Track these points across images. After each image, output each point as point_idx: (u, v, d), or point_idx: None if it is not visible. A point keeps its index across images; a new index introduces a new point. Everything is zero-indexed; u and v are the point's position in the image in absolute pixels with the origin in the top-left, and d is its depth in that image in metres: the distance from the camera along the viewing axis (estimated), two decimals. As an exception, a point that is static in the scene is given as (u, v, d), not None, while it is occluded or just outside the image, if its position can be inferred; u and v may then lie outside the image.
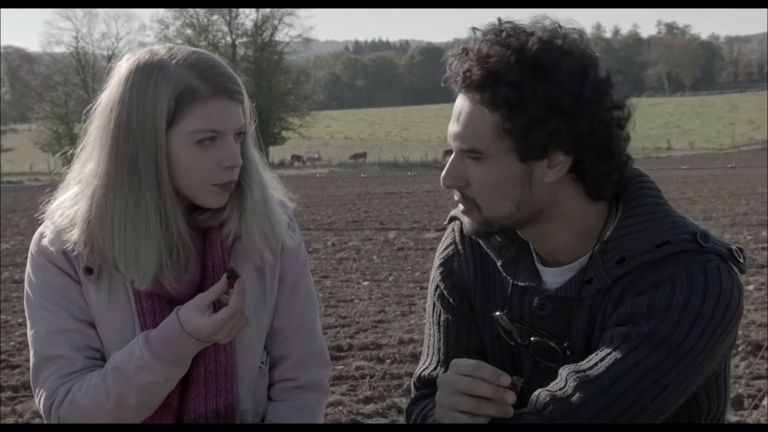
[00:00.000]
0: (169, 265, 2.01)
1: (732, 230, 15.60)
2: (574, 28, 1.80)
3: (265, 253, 2.11)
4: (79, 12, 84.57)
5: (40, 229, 2.10)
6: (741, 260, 1.82)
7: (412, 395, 2.08)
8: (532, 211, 1.83)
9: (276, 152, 65.41)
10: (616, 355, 1.75)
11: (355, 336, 8.29)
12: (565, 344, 1.83)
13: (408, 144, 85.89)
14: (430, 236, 15.73)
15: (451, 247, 2.06)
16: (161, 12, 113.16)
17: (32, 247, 2.09)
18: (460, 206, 1.90)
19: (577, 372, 1.76)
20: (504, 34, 1.79)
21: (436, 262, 2.08)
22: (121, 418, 2.01)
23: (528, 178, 1.80)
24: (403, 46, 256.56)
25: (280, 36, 73.02)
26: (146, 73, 1.97)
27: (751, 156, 50.87)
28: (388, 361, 7.40)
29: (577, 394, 1.74)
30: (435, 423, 1.87)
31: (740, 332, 7.81)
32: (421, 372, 2.07)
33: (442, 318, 2.05)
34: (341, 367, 7.12)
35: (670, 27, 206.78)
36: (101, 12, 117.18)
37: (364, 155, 68.59)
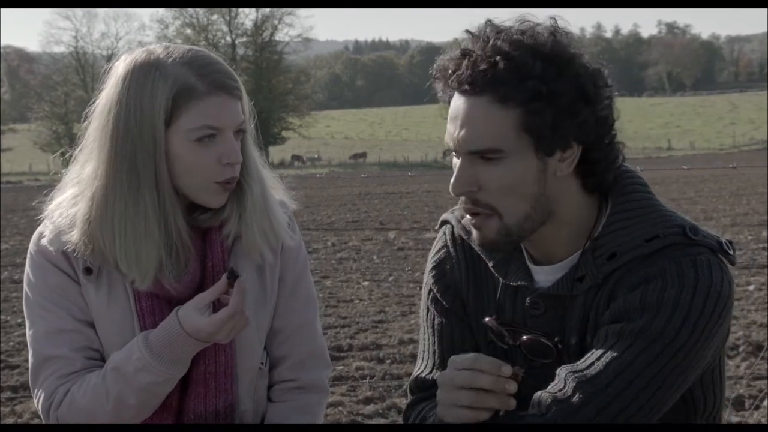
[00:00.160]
0: (168, 264, 2.01)
1: (733, 230, 15.59)
2: (552, 25, 1.82)
3: (265, 251, 2.10)
4: (79, 12, 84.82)
5: (39, 229, 2.09)
6: (730, 252, 1.83)
7: (409, 399, 2.08)
8: (545, 211, 1.83)
9: (276, 152, 65.42)
10: (612, 353, 1.74)
11: (355, 336, 8.28)
12: (556, 339, 1.82)
13: (408, 144, 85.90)
14: (431, 236, 15.71)
15: (443, 251, 2.05)
16: (161, 12, 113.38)
17: (31, 247, 2.09)
18: (468, 218, 1.87)
19: (575, 372, 1.75)
20: (513, 32, 1.78)
21: (428, 265, 2.08)
22: (121, 418, 2.01)
23: (543, 174, 1.80)
24: (403, 46, 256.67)
25: (280, 36, 73.07)
26: (143, 73, 1.97)
27: (751, 156, 50.88)
28: (388, 361, 7.40)
29: (577, 395, 1.73)
30: (434, 423, 1.87)
31: (741, 333, 7.81)
32: (417, 375, 2.06)
33: (436, 321, 2.05)
34: (341, 367, 7.11)
35: (671, 27, 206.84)
36: (101, 12, 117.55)
37: (364, 155, 68.60)
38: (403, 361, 7.32)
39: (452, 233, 2.04)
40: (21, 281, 9.64)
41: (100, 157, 2.00)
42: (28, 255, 2.10)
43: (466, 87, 1.78)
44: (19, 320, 9.11)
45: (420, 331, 2.12)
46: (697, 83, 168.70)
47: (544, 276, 1.90)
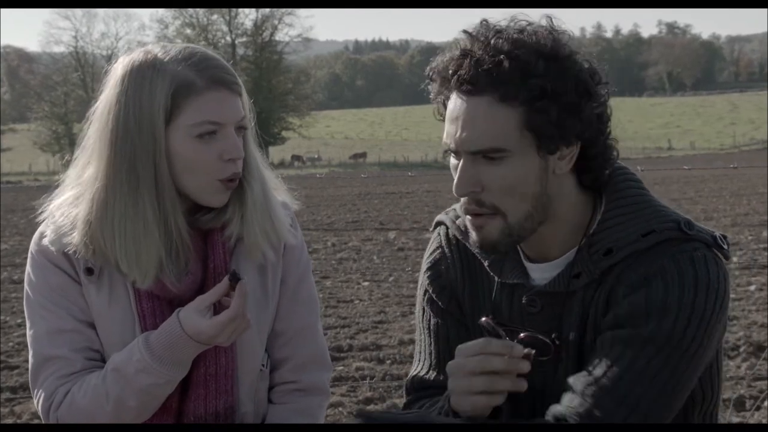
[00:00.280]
0: (169, 264, 2.00)
1: (733, 230, 15.56)
2: (549, 24, 1.84)
3: (267, 250, 2.10)
4: (79, 12, 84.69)
5: (40, 229, 2.09)
6: (725, 246, 1.84)
7: (405, 400, 2.08)
8: (545, 209, 1.83)
9: (276, 152, 65.42)
10: (625, 361, 1.76)
11: (355, 337, 8.26)
12: (553, 336, 1.82)
13: (408, 144, 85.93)
14: (431, 237, 15.67)
15: (438, 251, 2.06)
16: (161, 12, 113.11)
17: (32, 246, 2.09)
18: (468, 218, 1.86)
19: (591, 385, 1.77)
20: (512, 32, 1.79)
21: (424, 266, 2.08)
22: (121, 419, 2.00)
23: (545, 173, 1.81)
24: (403, 46, 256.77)
25: (280, 36, 73.02)
26: (141, 72, 1.98)
27: (752, 156, 50.87)
28: (389, 361, 7.38)
29: (598, 410, 1.75)
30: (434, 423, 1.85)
31: (741, 333, 7.79)
32: (414, 376, 2.07)
33: (432, 322, 2.05)
34: (341, 367, 7.09)
35: (671, 27, 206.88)
36: (100, 12, 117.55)
37: (364, 155, 68.58)
38: (403, 362, 7.30)
39: (447, 234, 2.05)
40: (21, 281, 9.63)
41: (101, 159, 1.99)
42: (29, 255, 2.10)
43: (468, 87, 1.78)
44: (19, 321, 9.09)
45: (416, 333, 2.12)
46: (697, 83, 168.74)
47: (540, 273, 1.91)
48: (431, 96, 1.88)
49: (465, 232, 1.98)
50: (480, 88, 1.76)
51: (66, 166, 2.11)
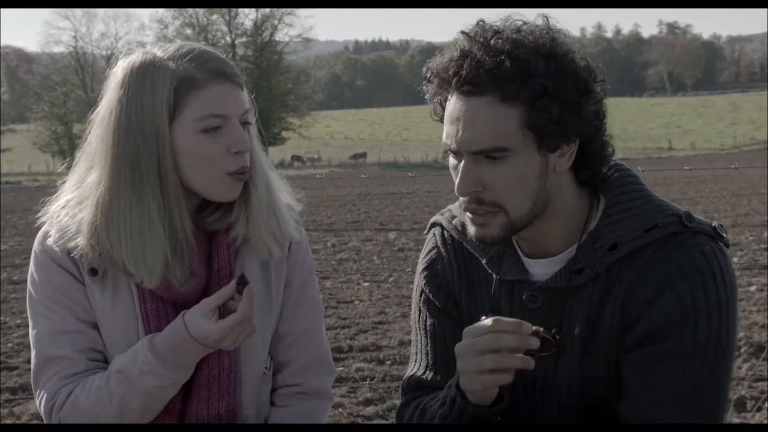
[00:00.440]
0: (174, 262, 2.00)
1: (734, 231, 15.54)
2: (546, 24, 1.85)
3: (272, 247, 2.09)
4: (78, 12, 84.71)
5: (44, 229, 2.09)
6: (724, 236, 1.89)
7: (402, 400, 2.09)
8: (544, 204, 1.85)
9: (276, 152, 65.38)
10: (674, 376, 1.81)
11: (355, 337, 8.25)
12: (554, 331, 1.83)
13: (408, 144, 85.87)
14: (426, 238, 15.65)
15: (434, 251, 2.07)
16: (160, 12, 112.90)
17: (36, 246, 2.08)
18: (467, 215, 1.87)
19: (648, 412, 1.82)
20: (511, 32, 1.80)
21: (420, 267, 2.09)
22: (123, 421, 2.00)
23: (545, 170, 1.83)
24: (403, 46, 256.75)
25: (280, 36, 72.86)
26: (141, 72, 1.98)
27: (752, 156, 50.83)
28: (389, 362, 7.36)
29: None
30: (435, 413, 1.90)
31: (742, 333, 7.77)
32: (410, 376, 2.08)
33: (428, 323, 2.06)
34: (341, 368, 7.07)
35: (672, 27, 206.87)
36: (100, 12, 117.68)
37: (364, 155, 68.54)
38: (403, 363, 7.28)
39: (442, 235, 2.06)
40: (20, 282, 9.62)
41: (104, 162, 1.99)
42: (33, 254, 2.09)
43: (469, 88, 1.78)
44: (18, 321, 9.07)
45: (411, 334, 2.13)
46: (698, 83, 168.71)
47: (541, 269, 1.92)
48: (428, 97, 1.88)
49: (463, 231, 1.99)
50: (481, 88, 1.77)
51: (67, 169, 2.11)
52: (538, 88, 1.76)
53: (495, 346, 1.75)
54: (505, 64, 1.76)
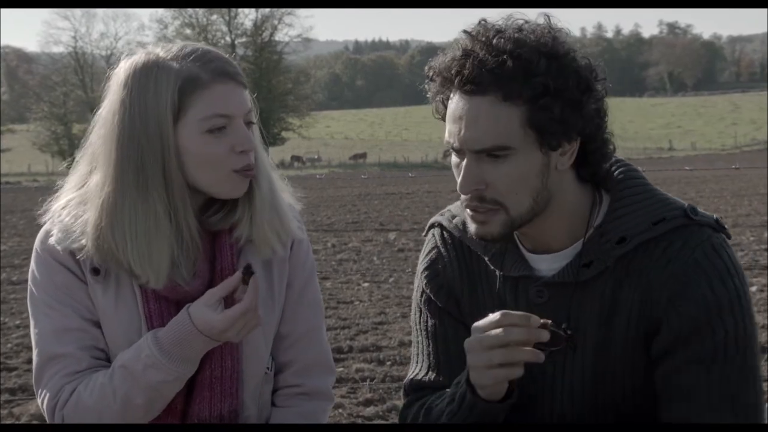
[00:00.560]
0: (180, 261, 2.00)
1: (734, 231, 15.52)
2: (548, 23, 1.87)
3: (276, 245, 2.10)
4: (78, 12, 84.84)
5: (45, 227, 2.08)
6: (725, 227, 1.93)
7: (404, 401, 2.08)
8: (545, 202, 1.86)
9: (276, 153, 65.40)
10: (715, 377, 1.83)
11: (355, 338, 8.23)
12: (564, 326, 1.84)
13: (408, 144, 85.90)
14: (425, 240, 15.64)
15: (434, 251, 2.08)
16: (160, 12, 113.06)
17: (38, 245, 2.08)
18: (468, 212, 1.88)
19: (692, 417, 1.83)
20: (512, 31, 1.81)
21: (420, 268, 2.10)
22: (127, 418, 1.99)
23: (546, 169, 1.84)
24: (403, 46, 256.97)
25: (280, 36, 72.86)
26: (145, 73, 1.97)
27: (753, 156, 50.84)
28: (389, 363, 7.35)
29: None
30: (443, 411, 1.90)
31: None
32: (412, 378, 2.08)
33: (429, 324, 2.07)
34: (341, 369, 7.06)
35: (672, 27, 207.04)
36: (100, 12, 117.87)
37: (364, 155, 68.55)
38: (403, 363, 7.27)
39: (442, 235, 2.08)
40: (20, 283, 9.60)
41: (108, 163, 1.99)
42: (34, 253, 2.09)
43: (471, 87, 1.79)
44: (18, 322, 9.06)
45: (412, 336, 2.13)
46: (698, 83, 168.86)
47: (547, 264, 1.93)
48: (430, 95, 1.90)
49: (464, 230, 2.00)
50: (483, 87, 1.79)
51: (69, 169, 2.10)
52: (540, 87, 1.77)
53: (504, 341, 1.75)
54: (507, 64, 1.77)
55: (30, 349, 7.35)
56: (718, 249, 1.86)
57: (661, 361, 1.87)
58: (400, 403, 6.14)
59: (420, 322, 2.09)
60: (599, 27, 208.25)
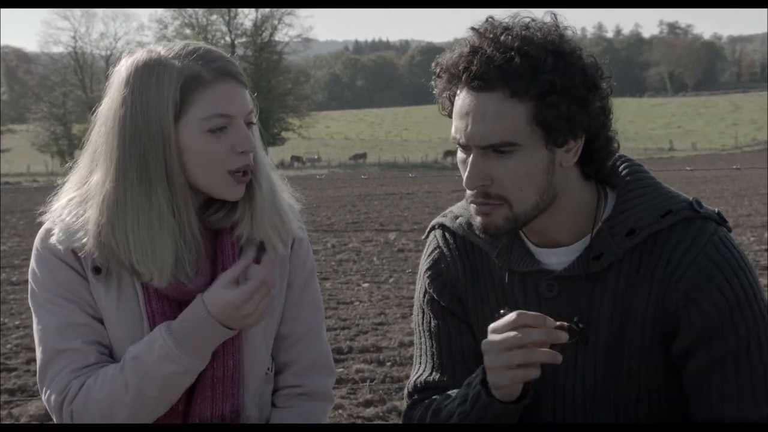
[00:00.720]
0: (184, 258, 1.99)
1: (735, 231, 15.40)
2: (554, 21, 1.88)
3: (277, 244, 2.09)
4: (77, 12, 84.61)
5: (46, 226, 2.07)
6: (727, 221, 1.96)
7: (408, 402, 2.08)
8: (550, 199, 1.87)
9: (275, 153, 65.40)
10: (742, 373, 1.84)
11: (355, 338, 8.23)
12: (575, 319, 1.85)
13: (408, 144, 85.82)
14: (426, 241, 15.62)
15: (436, 251, 2.09)
16: (160, 12, 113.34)
17: (38, 243, 2.07)
18: (473, 207, 1.89)
19: (725, 415, 1.84)
20: (520, 29, 1.83)
21: (423, 267, 2.11)
22: (138, 412, 1.98)
23: (552, 165, 1.85)
24: (403, 46, 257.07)
25: (280, 36, 72.91)
26: (146, 71, 1.97)
27: (754, 156, 50.84)
28: (389, 363, 7.34)
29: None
30: (453, 412, 1.91)
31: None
32: (416, 379, 2.07)
33: (432, 324, 2.07)
34: (341, 370, 7.05)
35: (672, 27, 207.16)
36: (99, 12, 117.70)
37: (364, 156, 68.55)
38: (403, 364, 7.26)
39: (443, 235, 2.09)
40: (19, 283, 9.58)
41: (109, 161, 1.98)
42: (34, 251, 2.08)
43: (479, 83, 1.81)
44: (17, 322, 9.05)
45: (414, 337, 2.13)
46: (698, 83, 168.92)
47: (557, 258, 1.95)
48: (436, 92, 1.91)
49: (468, 228, 2.02)
50: (491, 84, 1.80)
51: (70, 169, 2.10)
52: (547, 84, 1.79)
53: (522, 342, 1.76)
54: (514, 60, 1.79)
55: (30, 349, 7.38)
56: (724, 242, 1.89)
57: (685, 361, 1.89)
58: (400, 404, 6.16)
59: (423, 323, 2.09)
60: (599, 27, 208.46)
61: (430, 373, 2.06)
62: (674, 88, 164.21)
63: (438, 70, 1.89)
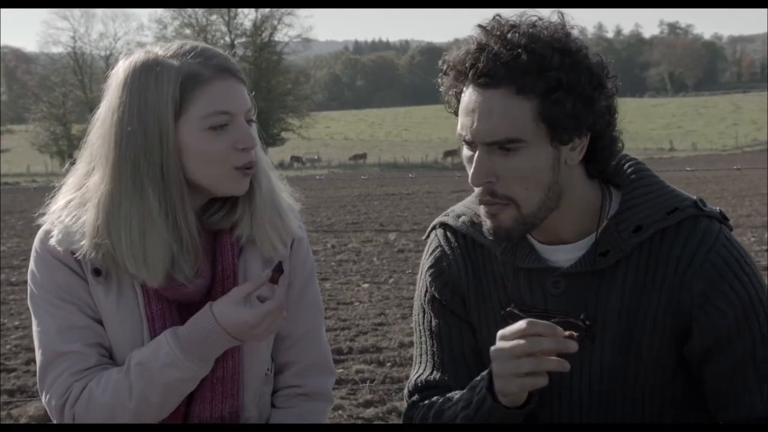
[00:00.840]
0: (180, 260, 1.98)
1: (735, 232, 15.41)
2: (560, 20, 1.89)
3: (276, 244, 2.09)
4: (77, 12, 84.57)
5: (45, 228, 2.07)
6: (728, 220, 1.98)
7: (409, 402, 2.08)
8: (557, 197, 1.88)
9: (275, 153, 65.38)
10: (762, 369, 1.86)
11: (355, 339, 8.22)
12: (582, 316, 1.86)
13: (408, 145, 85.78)
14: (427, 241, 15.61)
15: (438, 250, 2.09)
16: (159, 12, 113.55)
17: (37, 244, 2.06)
18: (482, 208, 1.90)
19: (747, 413, 1.89)
20: (527, 26, 1.84)
21: (424, 266, 2.11)
22: (141, 417, 1.97)
23: (557, 163, 1.86)
24: (403, 46, 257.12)
25: (280, 36, 72.87)
26: (145, 71, 1.96)
27: (754, 157, 50.81)
28: (389, 364, 7.34)
29: None
30: (457, 414, 1.91)
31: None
32: (416, 379, 2.07)
33: (433, 323, 2.07)
34: (341, 370, 7.05)
35: (673, 27, 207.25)
36: (99, 12, 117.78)
37: (364, 156, 68.53)
38: (403, 364, 7.26)
39: (445, 234, 2.09)
40: (19, 284, 9.58)
41: (106, 163, 1.98)
42: (33, 253, 2.07)
43: (485, 80, 1.82)
44: (17, 323, 9.05)
45: (414, 337, 2.14)
46: (699, 84, 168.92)
47: (563, 255, 1.96)
48: (443, 89, 1.92)
49: (472, 226, 2.03)
50: (497, 80, 1.82)
51: (70, 170, 2.10)
52: (553, 82, 1.80)
53: (532, 350, 1.76)
54: (521, 58, 1.80)
55: (29, 350, 7.38)
56: (732, 241, 1.92)
57: (703, 362, 1.90)
58: (400, 404, 6.15)
59: (423, 323, 2.09)
60: (600, 27, 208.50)
61: (431, 373, 2.06)
62: (674, 89, 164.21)
63: (445, 68, 1.90)
